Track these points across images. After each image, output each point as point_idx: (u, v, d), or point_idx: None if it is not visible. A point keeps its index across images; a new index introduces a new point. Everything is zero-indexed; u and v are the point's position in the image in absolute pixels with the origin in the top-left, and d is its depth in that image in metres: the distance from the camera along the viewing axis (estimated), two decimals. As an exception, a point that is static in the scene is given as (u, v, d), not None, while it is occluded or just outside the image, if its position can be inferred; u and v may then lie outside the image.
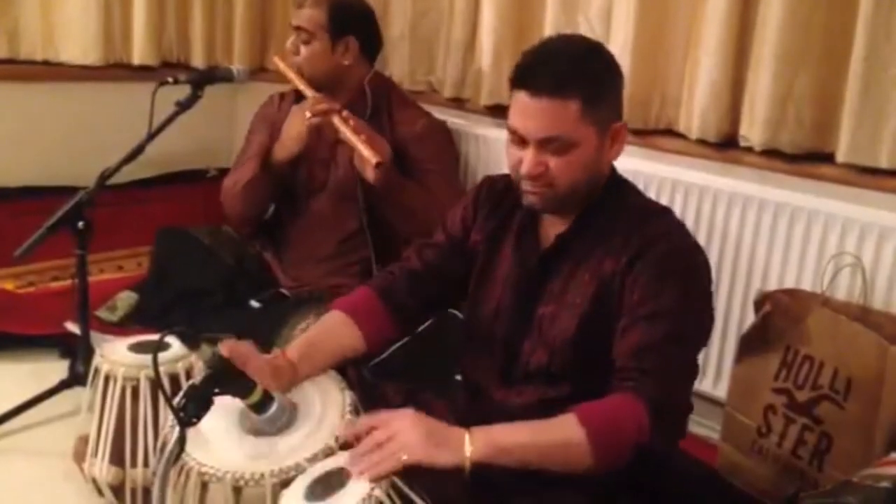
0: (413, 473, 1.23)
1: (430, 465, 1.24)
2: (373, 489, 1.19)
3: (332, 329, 1.58)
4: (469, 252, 1.62)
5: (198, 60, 3.16)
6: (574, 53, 1.44)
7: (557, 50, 1.45)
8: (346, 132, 2.12)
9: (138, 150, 2.01)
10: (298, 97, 2.36)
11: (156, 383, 1.58)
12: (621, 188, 1.53)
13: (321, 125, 2.17)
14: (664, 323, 1.35)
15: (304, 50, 2.32)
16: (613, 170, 1.53)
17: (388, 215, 2.26)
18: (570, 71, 1.39)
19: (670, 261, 1.39)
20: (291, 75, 2.32)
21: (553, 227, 1.51)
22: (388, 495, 1.19)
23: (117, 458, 1.63)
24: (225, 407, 1.41)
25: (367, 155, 2.07)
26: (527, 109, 1.39)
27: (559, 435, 1.30)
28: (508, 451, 1.27)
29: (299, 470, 1.31)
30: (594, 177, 1.46)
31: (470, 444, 1.26)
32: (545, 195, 1.44)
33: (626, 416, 1.30)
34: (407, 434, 1.26)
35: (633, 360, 1.35)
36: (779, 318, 1.79)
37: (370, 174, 2.09)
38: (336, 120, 2.15)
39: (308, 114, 2.18)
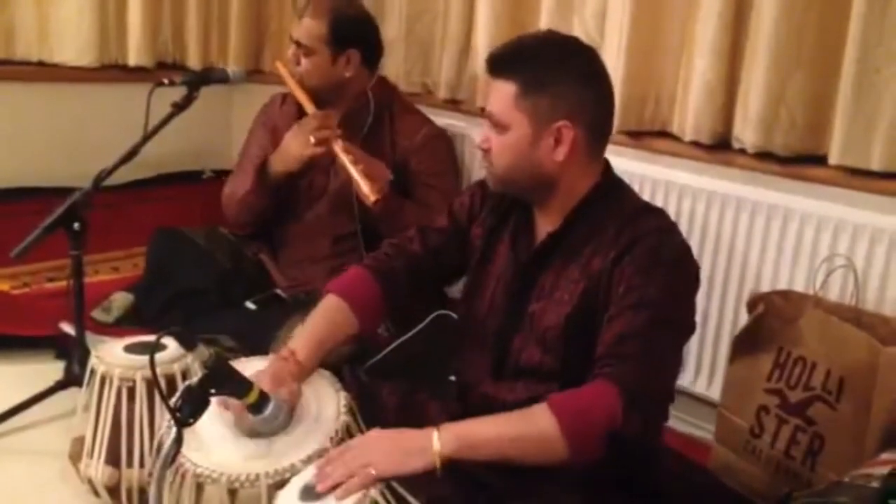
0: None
1: (399, 474, 1.24)
2: (368, 490, 1.20)
3: (332, 319, 1.59)
4: (469, 242, 1.64)
5: (193, 62, 3.16)
6: (531, 43, 1.49)
7: (524, 38, 1.50)
8: (346, 162, 2.14)
9: (134, 152, 2.00)
10: (301, 109, 2.34)
11: (152, 384, 1.59)
12: (615, 189, 1.54)
13: (322, 153, 2.20)
14: (648, 311, 1.36)
15: (304, 62, 2.31)
16: (609, 170, 1.54)
17: (383, 232, 2.26)
18: (514, 57, 1.46)
19: (658, 254, 1.41)
20: (292, 85, 2.31)
21: (546, 226, 1.53)
22: (383, 495, 1.20)
23: (113, 459, 1.64)
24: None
25: (365, 191, 2.09)
26: (489, 88, 1.49)
27: (529, 424, 1.31)
28: (478, 445, 1.28)
29: (294, 471, 1.31)
30: (532, 170, 1.46)
31: (438, 442, 1.27)
32: (490, 172, 1.52)
33: (598, 402, 1.31)
34: (372, 449, 1.27)
35: (613, 348, 1.36)
36: (772, 319, 1.80)
37: (368, 204, 2.11)
38: (336, 147, 2.16)
39: (312, 139, 2.19)
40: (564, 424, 1.28)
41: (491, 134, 1.48)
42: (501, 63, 1.46)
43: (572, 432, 1.28)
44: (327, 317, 1.60)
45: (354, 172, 2.12)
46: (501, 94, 1.45)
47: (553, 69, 1.43)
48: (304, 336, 1.56)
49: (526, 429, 1.31)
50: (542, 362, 1.49)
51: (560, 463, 1.29)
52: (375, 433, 1.32)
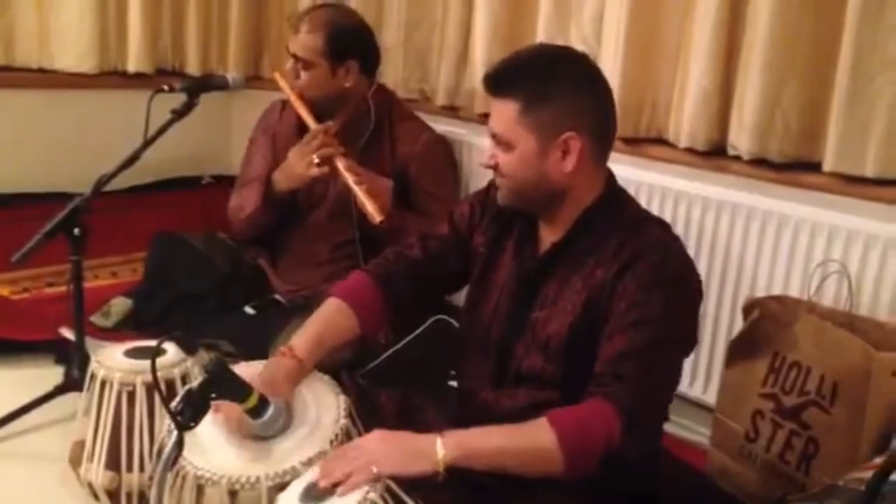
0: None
1: (401, 475, 1.26)
2: (367, 492, 1.21)
3: (333, 321, 1.60)
4: (470, 251, 1.65)
5: (193, 68, 3.18)
6: (526, 59, 1.48)
7: (520, 55, 1.50)
8: (350, 182, 2.16)
9: (134, 157, 2.01)
10: (301, 118, 2.35)
11: (152, 388, 1.60)
12: (618, 198, 1.55)
13: (326, 174, 2.22)
14: (649, 330, 1.37)
15: (303, 75, 2.32)
16: (612, 180, 1.55)
17: (384, 245, 2.25)
18: (512, 75, 1.45)
19: (662, 270, 1.41)
20: (292, 97, 2.33)
21: (550, 235, 1.54)
22: (383, 498, 1.21)
23: (113, 463, 1.65)
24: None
25: (370, 210, 2.11)
26: (489, 106, 1.49)
27: (530, 439, 1.32)
28: (479, 455, 1.30)
29: (294, 474, 1.33)
30: (542, 183, 1.46)
31: (442, 449, 1.28)
32: (502, 187, 1.52)
33: (598, 423, 1.32)
34: (376, 448, 1.29)
35: (612, 366, 1.37)
36: (767, 324, 1.81)
37: (374, 223, 2.12)
38: (340, 164, 2.18)
39: (315, 158, 2.21)
40: (563, 441, 1.30)
41: (496, 152, 1.48)
42: (499, 82, 1.45)
43: (570, 449, 1.30)
44: (328, 317, 1.61)
45: (359, 192, 2.14)
46: (503, 114, 1.44)
47: (552, 82, 1.43)
48: (304, 333, 1.57)
49: (526, 442, 1.33)
50: (543, 370, 1.50)
51: (555, 476, 1.31)
52: (379, 433, 1.33)
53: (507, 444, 1.32)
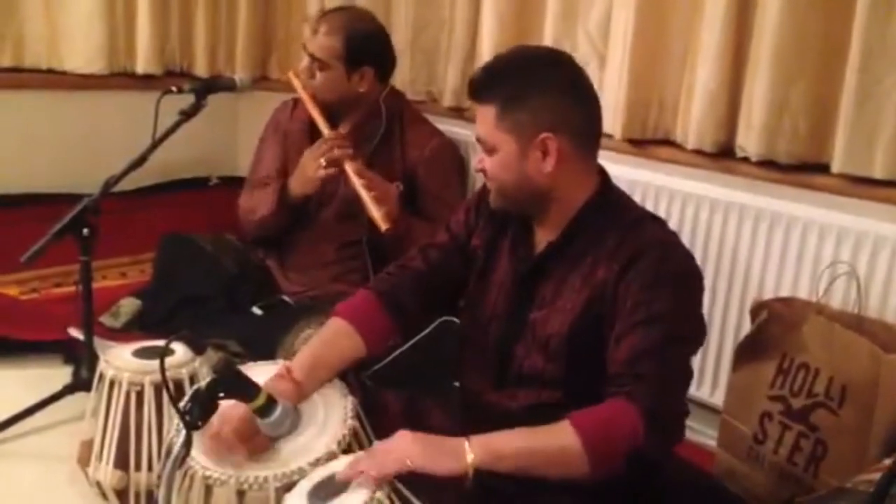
0: (414, 479, 1.26)
1: (432, 472, 1.26)
2: (374, 492, 1.21)
3: (335, 342, 1.59)
4: (470, 254, 1.65)
5: (201, 69, 3.19)
6: (503, 64, 1.50)
7: (498, 60, 1.52)
8: (358, 186, 2.16)
9: (143, 158, 2.02)
10: (312, 122, 2.36)
11: (160, 388, 1.61)
12: (613, 198, 1.55)
13: (334, 175, 2.23)
14: (660, 327, 1.37)
15: (318, 76, 2.33)
16: (606, 180, 1.55)
17: (390, 248, 2.23)
18: (488, 79, 1.48)
19: (663, 267, 1.41)
20: (305, 98, 2.33)
21: (546, 235, 1.54)
22: (390, 498, 1.21)
23: (122, 463, 1.65)
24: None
25: (376, 217, 2.11)
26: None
27: (555, 442, 1.32)
28: (506, 458, 1.30)
29: (302, 474, 1.33)
30: (525, 185, 1.48)
31: (470, 452, 1.28)
32: (491, 190, 1.54)
33: (621, 422, 1.32)
34: (408, 445, 1.29)
35: (628, 366, 1.37)
36: (775, 326, 1.81)
37: (380, 231, 2.13)
38: (349, 168, 2.19)
39: (323, 161, 2.22)
40: (587, 442, 1.30)
41: (483, 156, 1.51)
42: (478, 88, 1.48)
43: (594, 450, 1.30)
44: (331, 340, 1.59)
45: (367, 198, 2.15)
46: (484, 118, 1.47)
47: (527, 84, 1.45)
48: (303, 356, 1.55)
49: (549, 444, 1.32)
50: (545, 370, 1.50)
51: (581, 478, 1.31)
52: (409, 433, 1.32)
53: (531, 448, 1.32)
